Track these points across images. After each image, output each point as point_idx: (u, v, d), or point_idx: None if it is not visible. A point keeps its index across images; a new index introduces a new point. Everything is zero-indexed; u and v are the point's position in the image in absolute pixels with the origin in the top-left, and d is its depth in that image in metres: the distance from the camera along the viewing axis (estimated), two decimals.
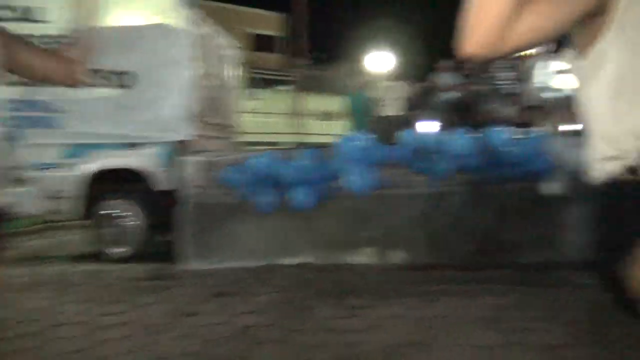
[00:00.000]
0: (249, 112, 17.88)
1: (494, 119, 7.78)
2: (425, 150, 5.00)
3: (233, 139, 7.72)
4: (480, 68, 8.72)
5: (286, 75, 21.87)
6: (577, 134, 6.35)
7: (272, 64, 24.09)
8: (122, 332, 3.65)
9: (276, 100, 20.32)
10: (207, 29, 6.70)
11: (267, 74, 21.96)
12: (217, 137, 6.97)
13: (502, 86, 8.70)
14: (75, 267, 5.72)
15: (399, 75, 10.97)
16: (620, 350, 3.01)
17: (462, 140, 4.88)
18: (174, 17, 5.73)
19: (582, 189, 4.78)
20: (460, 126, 7.54)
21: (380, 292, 4.39)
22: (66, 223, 7.29)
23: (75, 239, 6.93)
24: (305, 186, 5.09)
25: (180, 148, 5.74)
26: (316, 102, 20.74)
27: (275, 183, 5.21)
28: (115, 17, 5.53)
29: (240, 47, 8.11)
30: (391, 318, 3.77)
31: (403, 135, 5.28)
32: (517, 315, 3.68)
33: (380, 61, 13.04)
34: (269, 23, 25.53)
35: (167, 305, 4.26)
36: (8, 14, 5.66)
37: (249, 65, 21.67)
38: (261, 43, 24.70)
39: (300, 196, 5.07)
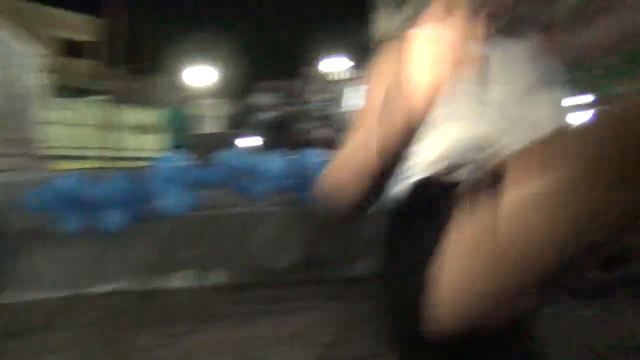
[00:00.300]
0: (56, 124, 16.55)
1: (309, 139, 8.16)
2: (242, 171, 5.05)
3: (36, 155, 7.03)
4: (297, 90, 9.10)
5: (99, 85, 20.59)
6: None
7: (84, 71, 22.50)
8: None
9: (88, 111, 19.01)
10: (2, 32, 6.04)
11: (77, 83, 20.49)
12: (16, 154, 6.29)
13: (318, 108, 9.15)
14: None
15: (220, 92, 10.94)
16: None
17: (278, 161, 5.03)
18: None
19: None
20: (277, 146, 7.80)
21: (200, 316, 4.32)
22: None
23: None
24: (117, 208, 4.82)
25: None
26: (132, 115, 19.83)
27: (83, 205, 4.85)
28: None
29: (45, 53, 7.44)
30: (210, 343, 3.72)
31: (221, 155, 5.28)
32: (328, 329, 3.88)
33: (202, 75, 12.88)
34: (80, 27, 23.77)
35: None
36: None
37: (58, 72, 20.04)
38: (71, 48, 22.91)
39: (110, 219, 4.79)
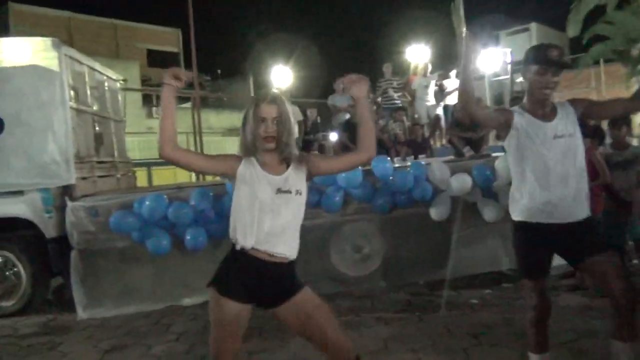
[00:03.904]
0: (147, 132, 17.41)
1: (384, 139, 8.02)
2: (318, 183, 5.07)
3: (125, 175, 7.47)
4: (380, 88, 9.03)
5: (184, 92, 21.35)
6: (457, 156, 6.72)
7: None
8: None
9: (176, 119, 19.77)
10: (84, 65, 6.42)
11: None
12: (107, 176, 6.72)
13: (393, 105, 8.99)
14: None
15: (294, 95, 11.01)
16: None
17: (350, 171, 4.99)
18: (46, 58, 5.43)
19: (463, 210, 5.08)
20: (355, 148, 7.73)
21: (279, 330, 4.37)
22: None
23: None
24: (198, 227, 5.01)
25: (64, 193, 5.46)
26: (218, 119, 20.53)
27: (167, 225, 5.09)
28: None
29: (124, 80, 7.84)
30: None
31: None
32: (403, 346, 3.83)
33: (281, 77, 12.99)
34: (164, 39, 24.93)
35: None
36: None
37: (147, 83, 21.10)
38: (158, 59, 24.08)
39: (193, 237, 4.98)
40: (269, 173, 2.25)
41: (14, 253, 5.57)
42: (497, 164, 4.99)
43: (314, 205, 5.12)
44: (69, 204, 5.34)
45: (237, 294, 2.23)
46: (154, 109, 20.43)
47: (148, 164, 15.33)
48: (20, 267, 5.55)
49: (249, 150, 2.25)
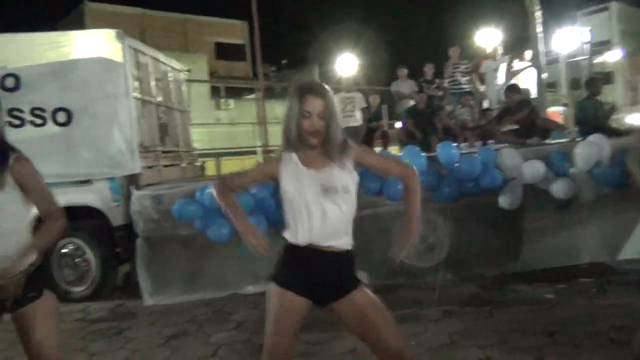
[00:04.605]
0: (215, 124, 17.74)
1: (451, 126, 7.73)
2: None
3: (190, 165, 7.57)
4: (446, 73, 8.70)
5: (252, 83, 21.67)
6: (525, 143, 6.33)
7: (238, 72, 23.93)
8: None
9: (243, 109, 20.18)
10: (147, 56, 6.50)
11: (232, 83, 21.85)
12: (172, 165, 6.81)
13: (460, 90, 8.63)
14: None
15: (357, 83, 10.82)
16: None
17: (414, 159, 4.80)
18: (111, 50, 5.52)
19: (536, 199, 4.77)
20: (424, 135, 7.50)
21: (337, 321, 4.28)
22: None
23: None
24: (258, 215, 4.96)
25: (130, 182, 5.56)
26: (283, 110, 20.60)
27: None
28: (49, 53, 5.36)
29: (187, 70, 7.91)
30: (345, 354, 3.67)
31: None
32: (471, 342, 3.62)
33: (345, 66, 12.84)
34: (232, 31, 25.32)
35: (120, 353, 4.12)
36: None
37: (215, 75, 21.53)
38: (226, 52, 24.53)
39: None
40: (311, 169, 2.12)
41: (84, 241, 5.74)
42: (578, 150, 4.62)
43: (375, 193, 4.96)
44: (135, 192, 5.44)
45: (295, 285, 2.16)
46: (222, 100, 20.87)
47: (217, 155, 15.66)
48: (89, 254, 5.72)
49: (293, 145, 2.12)
